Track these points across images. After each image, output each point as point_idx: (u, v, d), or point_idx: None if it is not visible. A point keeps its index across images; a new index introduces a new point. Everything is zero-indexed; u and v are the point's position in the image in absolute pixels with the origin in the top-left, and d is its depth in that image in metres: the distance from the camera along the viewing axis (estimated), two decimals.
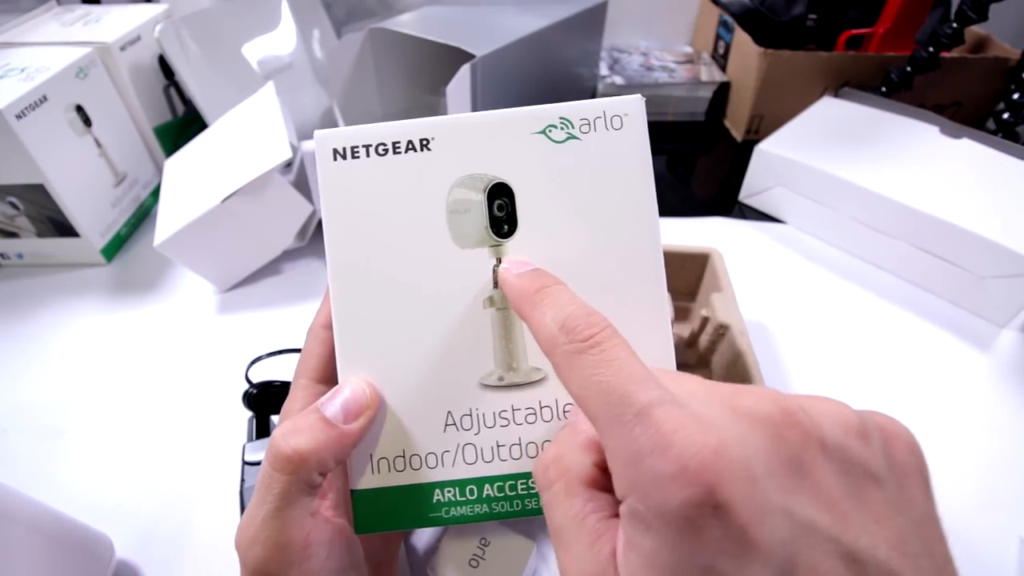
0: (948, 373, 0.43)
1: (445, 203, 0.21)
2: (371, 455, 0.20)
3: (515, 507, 0.20)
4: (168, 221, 0.45)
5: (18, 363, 0.43)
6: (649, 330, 0.20)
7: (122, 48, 0.52)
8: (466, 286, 0.20)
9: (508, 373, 0.20)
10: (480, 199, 0.20)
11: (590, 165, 0.21)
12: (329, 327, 0.21)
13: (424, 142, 0.21)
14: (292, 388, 0.22)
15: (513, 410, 0.20)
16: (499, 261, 0.20)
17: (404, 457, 0.20)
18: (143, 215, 0.56)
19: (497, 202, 0.20)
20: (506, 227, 0.21)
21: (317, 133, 0.21)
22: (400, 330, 0.21)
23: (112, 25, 0.53)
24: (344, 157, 0.21)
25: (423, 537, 0.32)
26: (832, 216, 0.53)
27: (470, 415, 0.20)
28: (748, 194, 0.59)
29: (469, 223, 0.20)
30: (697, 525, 0.12)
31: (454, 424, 0.21)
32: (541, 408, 0.20)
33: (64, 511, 0.28)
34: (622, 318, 0.18)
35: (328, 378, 0.22)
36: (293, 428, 0.19)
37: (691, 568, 0.13)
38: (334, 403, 0.19)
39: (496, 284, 0.20)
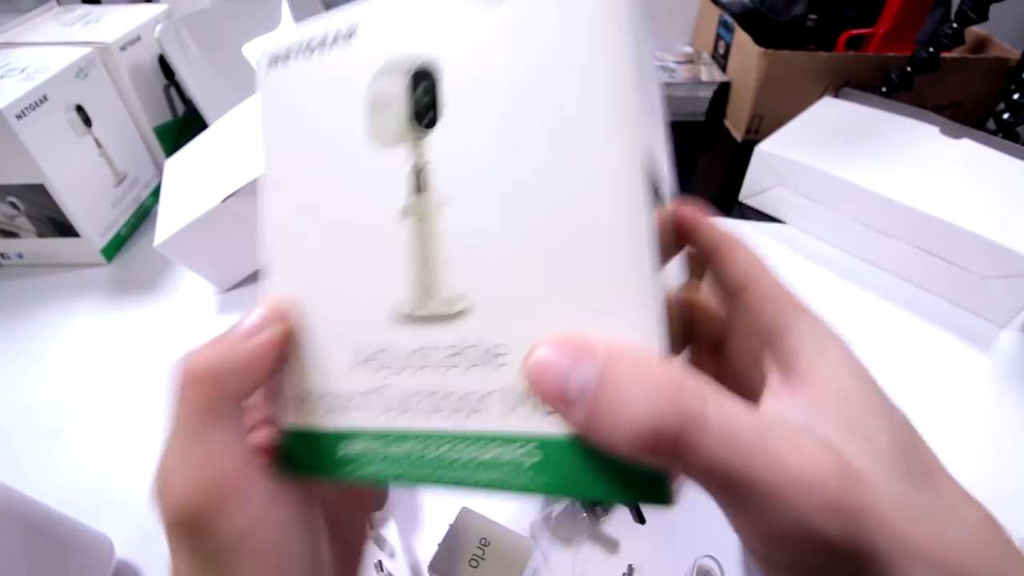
0: (948, 373, 0.43)
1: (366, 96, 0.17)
2: (283, 391, 0.18)
3: (441, 474, 0.16)
4: (168, 221, 0.45)
5: (18, 363, 0.43)
6: (614, 293, 0.13)
7: (122, 48, 0.52)
8: (388, 195, 0.17)
9: (425, 301, 0.16)
10: (399, 85, 0.17)
11: (528, 33, 0.15)
12: None
13: (350, 31, 0.18)
14: None
15: (430, 349, 0.16)
16: (418, 166, 0.16)
17: (316, 397, 0.18)
18: (143, 215, 0.56)
19: (421, 86, 0.17)
20: (431, 115, 0.17)
21: (261, 43, 0.19)
22: (321, 251, 0.18)
23: (112, 25, 0.53)
24: (280, 62, 0.19)
25: (424, 538, 0.32)
26: (832, 216, 0.53)
27: (385, 352, 0.17)
28: (748, 194, 0.59)
29: (389, 116, 0.17)
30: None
31: (368, 362, 0.17)
32: (465, 349, 0.16)
33: (64, 511, 0.28)
34: (571, 272, 0.14)
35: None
36: (192, 351, 0.16)
37: None
38: (239, 324, 0.17)
39: (416, 188, 0.16)
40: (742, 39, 0.68)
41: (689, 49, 0.81)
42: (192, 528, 0.14)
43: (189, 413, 0.15)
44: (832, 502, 0.11)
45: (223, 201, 0.43)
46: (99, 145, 0.50)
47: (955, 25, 0.57)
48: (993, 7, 0.55)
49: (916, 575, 0.11)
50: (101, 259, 0.51)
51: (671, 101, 0.73)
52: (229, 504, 0.15)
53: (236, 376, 0.16)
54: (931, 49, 0.59)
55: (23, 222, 0.47)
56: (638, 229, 0.13)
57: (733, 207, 0.59)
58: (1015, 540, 0.13)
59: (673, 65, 0.74)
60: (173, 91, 0.59)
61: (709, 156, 0.69)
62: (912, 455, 0.13)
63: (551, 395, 0.13)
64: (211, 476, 0.15)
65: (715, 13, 0.74)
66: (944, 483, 0.13)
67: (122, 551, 0.31)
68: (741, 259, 0.17)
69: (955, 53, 0.62)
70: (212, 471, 0.15)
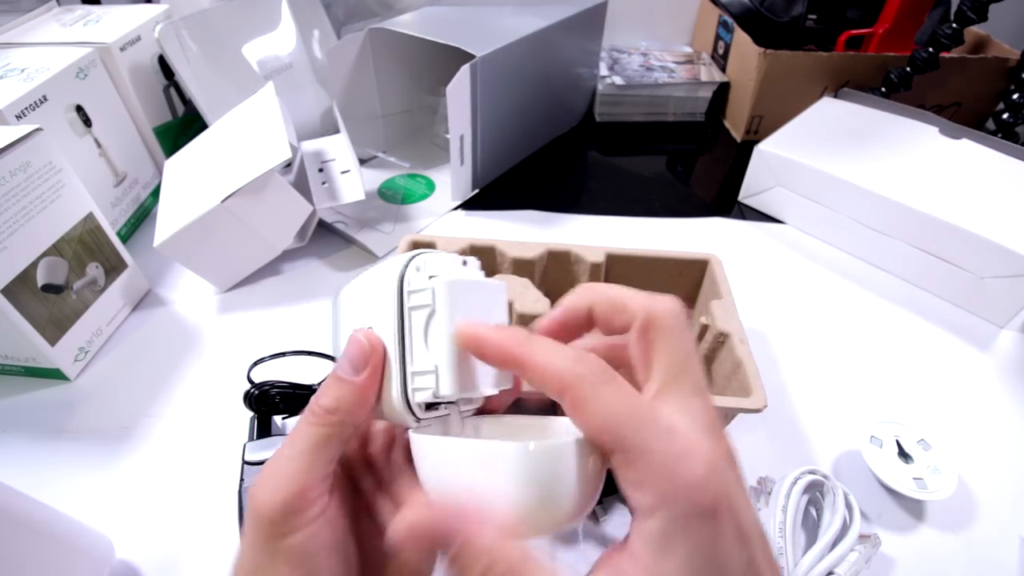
0: (948, 373, 0.43)
1: None
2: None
3: None
4: (168, 221, 0.45)
5: None
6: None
7: (122, 48, 0.52)
8: None
9: None
10: None
11: None
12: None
13: None
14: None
15: None
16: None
17: None
18: (143, 215, 0.56)
19: None
20: None
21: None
22: None
23: (112, 25, 0.53)
24: None
25: None
26: (832, 216, 0.53)
27: None
28: (748, 194, 0.59)
29: None
30: (720, 522, 0.15)
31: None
32: None
33: (64, 511, 0.28)
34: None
35: None
36: (321, 391, 0.20)
37: (715, 559, 0.15)
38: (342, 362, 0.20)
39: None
40: (742, 39, 0.68)
41: (689, 49, 0.81)
42: (270, 523, 0.18)
43: (305, 437, 0.19)
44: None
45: (223, 201, 0.43)
46: (99, 145, 0.50)
47: (954, 25, 0.57)
48: (993, 7, 0.55)
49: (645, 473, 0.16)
50: None
51: (671, 101, 0.73)
52: (303, 509, 0.18)
53: (355, 412, 0.20)
54: (930, 49, 0.59)
55: None
56: None
57: (733, 207, 0.59)
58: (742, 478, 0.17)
59: (673, 65, 0.74)
60: (173, 91, 0.59)
61: (709, 156, 0.69)
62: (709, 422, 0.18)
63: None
64: (301, 486, 0.19)
65: (715, 13, 0.74)
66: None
67: (122, 551, 0.31)
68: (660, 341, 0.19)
69: (955, 53, 0.62)
70: (303, 482, 0.19)
